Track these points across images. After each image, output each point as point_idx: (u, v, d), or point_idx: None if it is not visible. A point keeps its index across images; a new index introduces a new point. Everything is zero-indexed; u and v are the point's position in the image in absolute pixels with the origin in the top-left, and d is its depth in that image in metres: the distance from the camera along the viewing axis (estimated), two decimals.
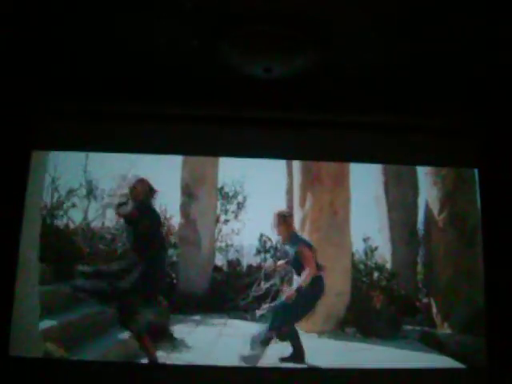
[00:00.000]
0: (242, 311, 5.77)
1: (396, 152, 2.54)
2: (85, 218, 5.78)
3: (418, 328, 5.88)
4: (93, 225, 5.80)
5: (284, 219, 4.73)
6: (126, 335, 4.47)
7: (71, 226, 5.70)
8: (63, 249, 5.26)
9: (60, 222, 5.59)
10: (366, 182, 6.32)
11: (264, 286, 5.85)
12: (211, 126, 2.46)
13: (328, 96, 2.28)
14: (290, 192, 6.36)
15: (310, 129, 2.43)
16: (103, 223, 5.82)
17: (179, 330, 5.19)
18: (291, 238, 4.68)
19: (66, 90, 2.30)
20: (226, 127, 2.47)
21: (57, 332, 4.08)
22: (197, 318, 5.73)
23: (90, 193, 5.69)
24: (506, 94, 2.17)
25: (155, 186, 4.48)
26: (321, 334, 5.32)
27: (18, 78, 2.21)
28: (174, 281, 6.19)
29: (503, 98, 2.21)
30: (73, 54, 2.08)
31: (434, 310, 5.92)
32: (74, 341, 4.26)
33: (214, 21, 1.85)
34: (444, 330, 5.69)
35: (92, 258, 5.49)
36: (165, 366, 2.60)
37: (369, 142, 2.47)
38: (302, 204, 5.89)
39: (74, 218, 5.72)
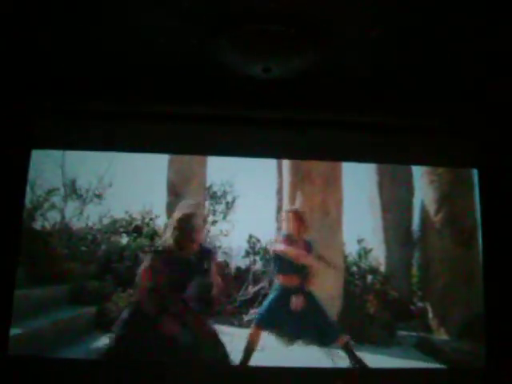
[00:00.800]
0: (229, 316, 5.79)
1: (396, 152, 2.69)
2: (62, 218, 5.79)
3: (413, 334, 5.89)
4: (75, 225, 5.82)
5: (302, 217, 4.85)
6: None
7: (47, 226, 5.70)
8: (35, 251, 5.25)
9: (37, 224, 5.60)
10: (359, 181, 6.36)
11: (252, 290, 5.88)
12: (209, 125, 2.59)
13: (328, 96, 2.42)
14: (280, 192, 6.43)
15: (309, 128, 2.57)
16: (87, 224, 5.85)
17: None
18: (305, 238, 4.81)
19: (65, 90, 2.43)
20: (223, 126, 2.60)
21: (19, 342, 3.93)
22: None
23: (74, 192, 5.72)
24: (506, 94, 2.33)
25: (140, 185, 4.47)
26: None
27: (17, 78, 2.33)
28: None
29: (503, 99, 2.36)
30: (72, 55, 2.21)
31: (430, 314, 5.99)
32: (39, 350, 4.17)
33: (214, 20, 1.98)
34: (440, 335, 5.76)
35: (69, 261, 5.51)
36: (163, 364, 2.70)
37: (368, 141, 2.62)
38: (292, 204, 5.99)
39: (50, 218, 5.72)
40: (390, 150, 2.79)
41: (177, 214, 3.85)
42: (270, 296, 4.75)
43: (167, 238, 3.75)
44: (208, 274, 3.98)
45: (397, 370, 3.00)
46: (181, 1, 1.84)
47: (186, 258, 3.80)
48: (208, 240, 6.57)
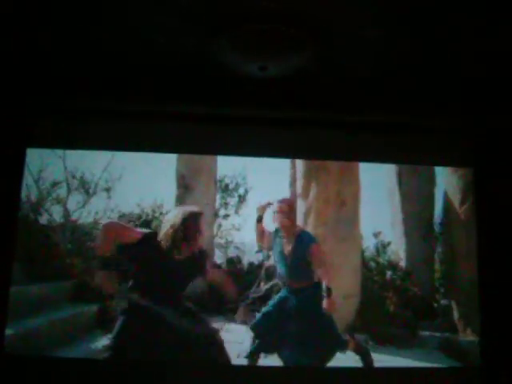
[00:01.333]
0: (243, 315, 5.89)
1: (395, 151, 2.80)
2: (66, 212, 5.88)
3: (437, 334, 5.91)
4: (79, 220, 5.91)
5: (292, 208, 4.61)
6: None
7: (52, 221, 5.79)
8: (36, 246, 5.37)
9: (43, 218, 5.70)
10: (377, 171, 6.31)
11: (264, 286, 5.97)
12: (209, 125, 2.72)
13: (328, 96, 2.55)
14: (294, 183, 6.45)
15: (309, 128, 2.69)
16: (95, 218, 5.92)
17: None
18: (298, 232, 4.57)
19: (62, 89, 2.57)
20: (223, 126, 2.73)
21: (18, 340, 4.10)
22: None
23: (82, 184, 5.81)
24: (504, 94, 2.43)
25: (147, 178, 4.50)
26: None
27: (17, 78, 2.48)
28: None
29: (501, 99, 2.47)
30: (72, 55, 2.35)
31: (455, 313, 6.00)
32: (38, 349, 4.33)
33: (214, 20, 2.11)
34: (466, 336, 5.71)
35: (73, 256, 5.60)
36: (163, 364, 2.82)
37: (368, 141, 2.73)
38: (306, 195, 6.04)
39: (54, 212, 5.83)
40: (389, 150, 2.90)
41: (182, 212, 3.65)
42: (273, 301, 4.65)
43: (162, 238, 3.60)
44: (204, 276, 3.93)
45: (399, 369, 3.11)
46: (180, 1, 1.97)
47: (179, 260, 3.66)
48: (219, 234, 6.65)
